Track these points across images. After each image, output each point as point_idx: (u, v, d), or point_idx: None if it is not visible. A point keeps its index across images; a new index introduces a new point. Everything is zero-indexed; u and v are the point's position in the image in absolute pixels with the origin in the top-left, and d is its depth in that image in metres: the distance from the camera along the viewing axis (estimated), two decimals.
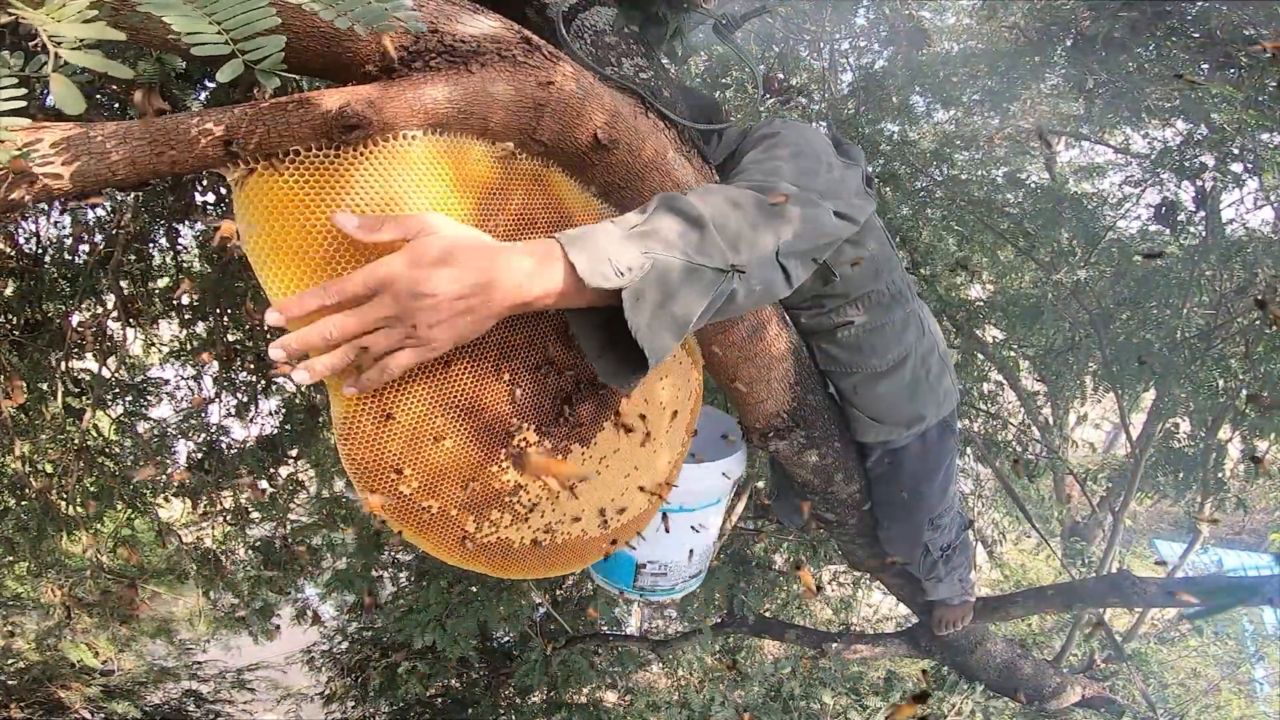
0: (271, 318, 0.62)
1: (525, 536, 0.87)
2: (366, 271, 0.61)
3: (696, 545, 1.36)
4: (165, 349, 3.02)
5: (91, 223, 2.51)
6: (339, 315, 0.61)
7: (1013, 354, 3.43)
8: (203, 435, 3.00)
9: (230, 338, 2.80)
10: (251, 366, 2.88)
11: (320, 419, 2.97)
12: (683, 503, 1.26)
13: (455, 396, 0.76)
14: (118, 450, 2.83)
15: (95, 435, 2.65)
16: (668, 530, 1.25)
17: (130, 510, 2.92)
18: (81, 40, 0.49)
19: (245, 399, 2.97)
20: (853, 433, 1.34)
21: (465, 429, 0.78)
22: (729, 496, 1.41)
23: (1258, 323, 2.28)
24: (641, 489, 1.00)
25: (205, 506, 3.04)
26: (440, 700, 3.58)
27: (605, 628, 3.45)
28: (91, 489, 2.66)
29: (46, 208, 2.35)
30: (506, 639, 3.58)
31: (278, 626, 3.45)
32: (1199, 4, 2.12)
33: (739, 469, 1.31)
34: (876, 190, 1.06)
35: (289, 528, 3.20)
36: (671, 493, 1.08)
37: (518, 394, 0.82)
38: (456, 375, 0.75)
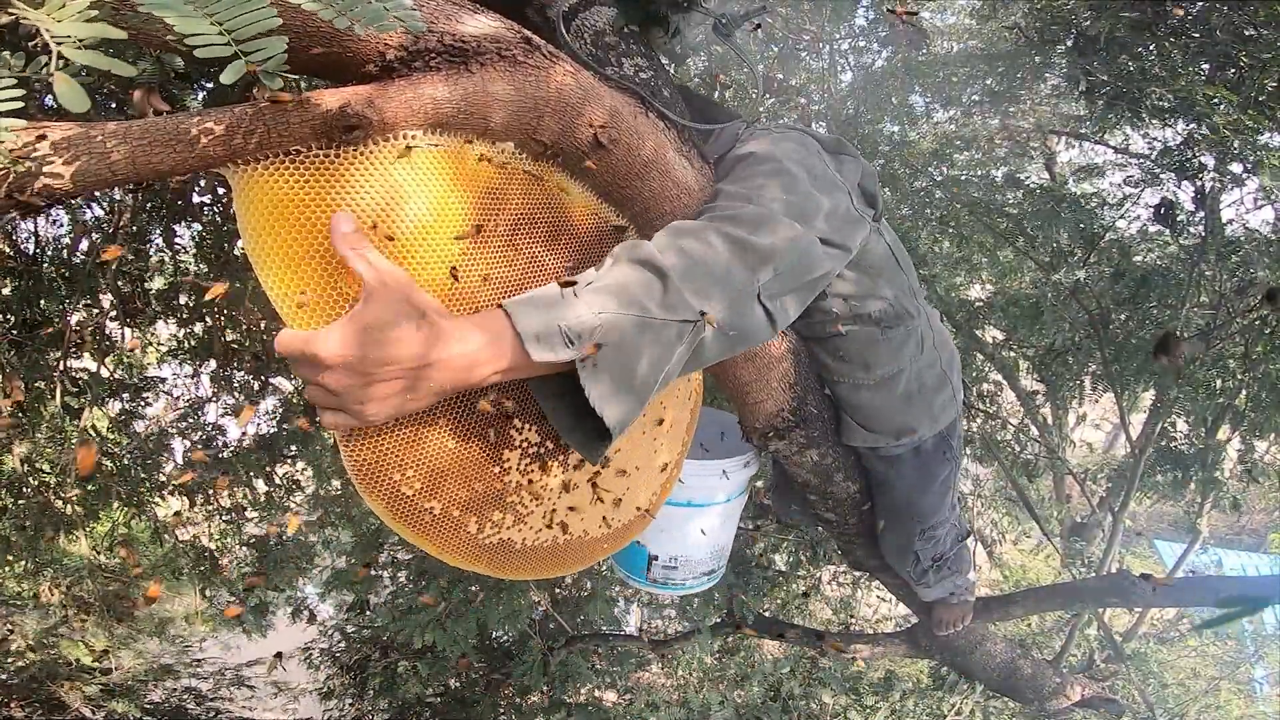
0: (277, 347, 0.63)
1: (527, 537, 0.87)
2: (307, 341, 0.59)
3: (709, 543, 1.36)
4: (164, 348, 3.01)
5: (90, 222, 2.50)
6: (301, 367, 0.61)
7: (1012, 354, 3.43)
8: (198, 434, 2.99)
9: (228, 337, 2.79)
10: (249, 366, 2.87)
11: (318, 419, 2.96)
12: (690, 498, 1.26)
13: (458, 396, 0.76)
14: (115, 450, 2.83)
15: (93, 435, 2.65)
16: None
17: (128, 509, 2.91)
18: (82, 40, 0.49)
19: (243, 398, 2.96)
20: (840, 435, 1.33)
21: (467, 429, 0.78)
22: (741, 498, 1.41)
23: (1258, 323, 2.28)
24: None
25: (202, 505, 3.04)
26: (440, 700, 3.58)
27: (605, 627, 3.45)
28: (90, 488, 2.65)
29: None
30: (506, 639, 3.57)
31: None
32: (1200, 3, 2.12)
33: (741, 471, 1.30)
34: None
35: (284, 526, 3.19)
36: (679, 489, 1.08)
37: (520, 393, 0.81)
38: None
